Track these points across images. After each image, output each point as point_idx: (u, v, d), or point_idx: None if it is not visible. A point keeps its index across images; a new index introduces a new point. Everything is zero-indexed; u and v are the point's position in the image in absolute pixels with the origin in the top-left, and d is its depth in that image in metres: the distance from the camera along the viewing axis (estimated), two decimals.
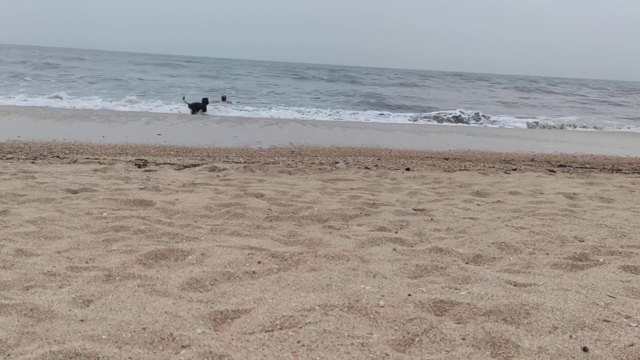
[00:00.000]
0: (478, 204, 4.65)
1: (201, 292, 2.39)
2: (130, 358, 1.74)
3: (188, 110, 15.98)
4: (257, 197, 4.59)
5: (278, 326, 2.00)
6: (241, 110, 17.80)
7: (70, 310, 2.10)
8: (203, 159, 7.46)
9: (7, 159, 6.63)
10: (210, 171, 6.16)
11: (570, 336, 1.97)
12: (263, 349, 1.84)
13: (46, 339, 1.85)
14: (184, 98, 17.17)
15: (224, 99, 20.30)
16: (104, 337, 1.86)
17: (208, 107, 16.25)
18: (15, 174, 5.20)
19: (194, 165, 6.62)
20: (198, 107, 16.19)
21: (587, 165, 8.52)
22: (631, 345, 1.89)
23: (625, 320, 2.11)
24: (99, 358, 1.72)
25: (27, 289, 2.34)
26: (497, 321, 2.08)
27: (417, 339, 1.95)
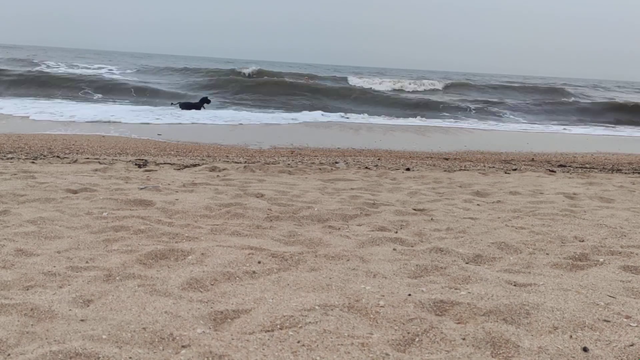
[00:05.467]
0: (478, 204, 4.65)
1: (201, 292, 2.39)
2: (130, 358, 1.74)
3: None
4: (257, 197, 4.59)
5: (278, 326, 2.00)
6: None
7: (70, 310, 2.10)
8: (203, 159, 7.46)
9: (8, 158, 6.63)
10: (211, 171, 6.16)
11: (571, 336, 1.97)
12: (263, 349, 1.84)
13: (46, 338, 1.85)
14: (172, 104, 16.50)
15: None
16: (104, 337, 1.86)
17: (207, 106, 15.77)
18: (15, 174, 5.20)
19: (194, 165, 6.62)
20: (190, 107, 15.60)
21: (587, 165, 8.52)
22: (631, 345, 1.89)
23: (625, 320, 2.11)
24: (99, 358, 1.72)
25: (27, 289, 2.34)
26: (497, 321, 2.08)
27: (417, 339, 1.95)
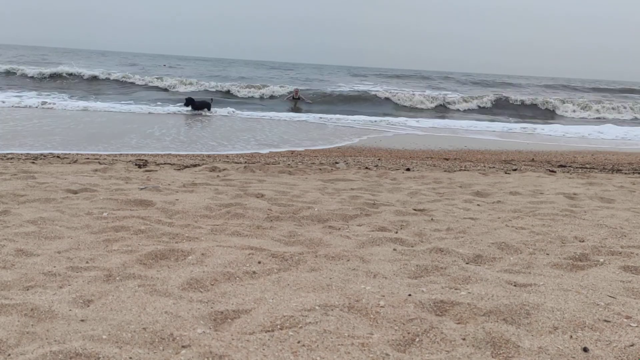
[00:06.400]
0: (478, 204, 4.65)
1: (201, 292, 2.39)
2: (130, 358, 1.74)
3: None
4: (258, 197, 4.59)
5: (278, 326, 2.00)
6: None
7: (70, 310, 2.10)
8: (203, 159, 7.46)
9: (8, 159, 6.63)
10: (211, 171, 6.16)
11: (571, 336, 1.97)
12: (263, 349, 1.84)
13: (46, 339, 1.85)
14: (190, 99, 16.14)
15: (296, 93, 20.05)
16: (104, 337, 1.86)
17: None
18: (15, 174, 5.20)
19: (194, 166, 6.62)
20: (201, 106, 15.38)
21: (587, 166, 8.52)
22: (631, 345, 1.89)
23: (625, 320, 2.11)
24: (99, 358, 1.72)
25: (28, 289, 2.34)
26: (497, 321, 2.08)
27: (417, 339, 1.95)
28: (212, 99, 16.45)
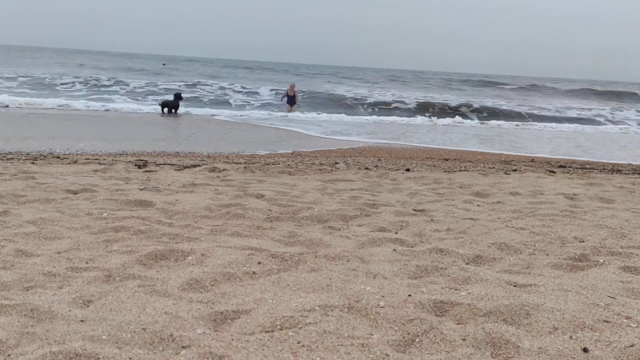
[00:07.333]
0: (478, 205, 4.65)
1: (201, 292, 2.39)
2: (130, 358, 1.74)
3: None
4: (257, 198, 4.59)
5: (278, 327, 2.00)
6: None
7: (70, 310, 2.10)
8: (203, 160, 7.46)
9: (8, 159, 6.63)
10: (211, 172, 6.16)
11: (571, 337, 1.97)
12: (263, 350, 1.84)
13: (46, 339, 1.85)
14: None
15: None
16: (104, 337, 1.86)
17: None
18: (15, 175, 5.20)
19: (194, 166, 6.62)
20: (169, 106, 15.15)
21: (587, 166, 8.52)
22: (631, 345, 1.89)
23: (625, 321, 2.11)
24: (99, 358, 1.72)
25: (27, 290, 2.34)
26: (497, 322, 2.08)
27: (417, 340, 1.95)
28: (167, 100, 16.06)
